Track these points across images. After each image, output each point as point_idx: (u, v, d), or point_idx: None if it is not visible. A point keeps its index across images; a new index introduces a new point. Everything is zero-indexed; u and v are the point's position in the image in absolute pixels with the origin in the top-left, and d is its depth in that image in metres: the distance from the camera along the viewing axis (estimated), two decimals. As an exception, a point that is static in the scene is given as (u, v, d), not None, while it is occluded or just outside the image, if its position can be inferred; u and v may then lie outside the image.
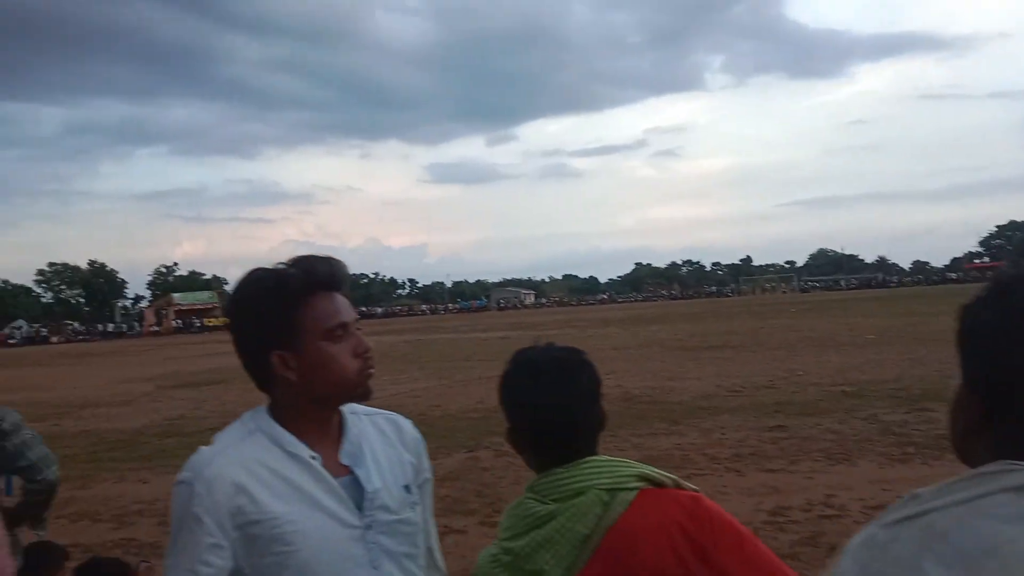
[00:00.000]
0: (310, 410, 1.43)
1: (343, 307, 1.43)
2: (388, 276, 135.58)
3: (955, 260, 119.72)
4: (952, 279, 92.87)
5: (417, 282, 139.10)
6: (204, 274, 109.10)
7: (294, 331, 1.39)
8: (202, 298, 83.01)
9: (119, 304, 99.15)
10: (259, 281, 1.43)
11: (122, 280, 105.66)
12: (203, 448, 1.40)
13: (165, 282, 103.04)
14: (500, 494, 6.88)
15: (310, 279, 1.41)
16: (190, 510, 1.31)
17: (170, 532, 1.37)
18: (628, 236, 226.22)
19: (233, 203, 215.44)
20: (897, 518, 0.85)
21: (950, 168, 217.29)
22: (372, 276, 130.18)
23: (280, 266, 1.43)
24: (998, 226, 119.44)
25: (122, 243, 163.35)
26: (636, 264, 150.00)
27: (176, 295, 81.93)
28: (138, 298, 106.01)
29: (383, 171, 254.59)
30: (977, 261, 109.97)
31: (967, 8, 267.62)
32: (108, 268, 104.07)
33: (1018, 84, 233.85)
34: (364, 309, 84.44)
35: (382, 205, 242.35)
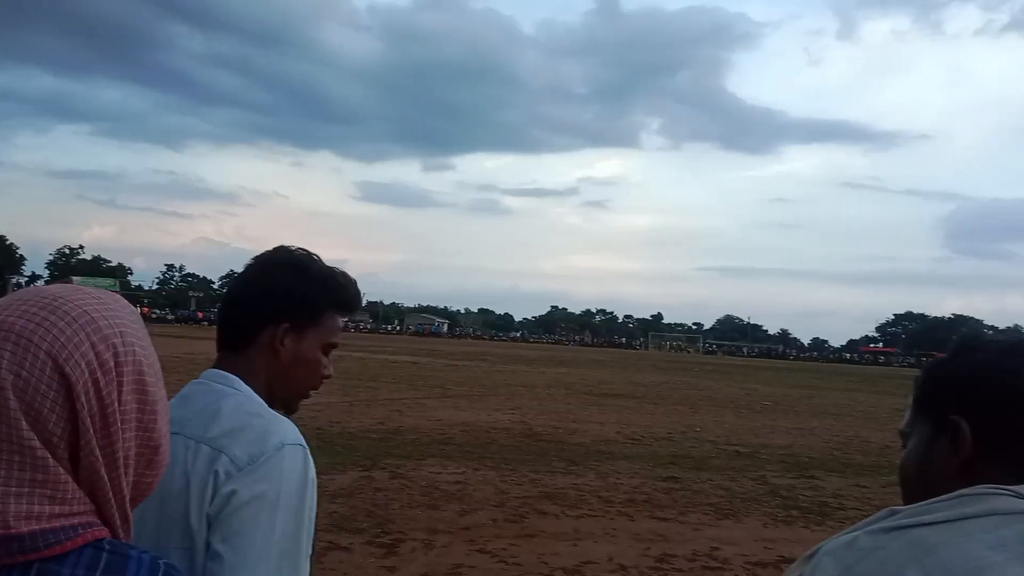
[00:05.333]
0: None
1: (340, 333, 1.52)
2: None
3: (851, 342, 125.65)
4: (846, 359, 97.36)
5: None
6: (110, 261, 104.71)
7: (312, 321, 1.44)
8: (104, 285, 79.26)
9: (12, 280, 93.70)
10: (318, 262, 1.50)
11: (21, 256, 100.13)
12: (279, 416, 1.35)
13: (67, 264, 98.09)
14: (391, 515, 6.75)
15: (351, 300, 1.51)
16: (309, 477, 1.28)
17: (278, 494, 1.22)
18: (548, 279, 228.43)
19: (152, 193, 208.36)
20: (883, 527, 0.88)
21: (859, 255, 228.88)
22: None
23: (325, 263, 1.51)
24: (895, 315, 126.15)
25: (28, 218, 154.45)
26: (552, 307, 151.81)
27: (76, 279, 78.00)
28: (35, 276, 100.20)
29: (313, 182, 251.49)
30: (872, 345, 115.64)
31: (896, 107, 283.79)
32: (8, 242, 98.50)
33: (932, 185, 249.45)
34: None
35: (307, 216, 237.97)
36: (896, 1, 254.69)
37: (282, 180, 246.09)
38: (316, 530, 1.39)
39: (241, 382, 1.37)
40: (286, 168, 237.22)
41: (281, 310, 1.41)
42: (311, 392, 1.49)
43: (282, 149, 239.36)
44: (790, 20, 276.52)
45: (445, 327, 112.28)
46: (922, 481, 0.99)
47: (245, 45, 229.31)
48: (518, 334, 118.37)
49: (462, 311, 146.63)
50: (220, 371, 1.40)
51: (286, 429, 1.29)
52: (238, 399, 1.33)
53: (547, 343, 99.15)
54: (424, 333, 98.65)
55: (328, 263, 1.52)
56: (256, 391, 1.38)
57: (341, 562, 5.46)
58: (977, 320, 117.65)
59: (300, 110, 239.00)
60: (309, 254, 1.50)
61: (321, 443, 10.14)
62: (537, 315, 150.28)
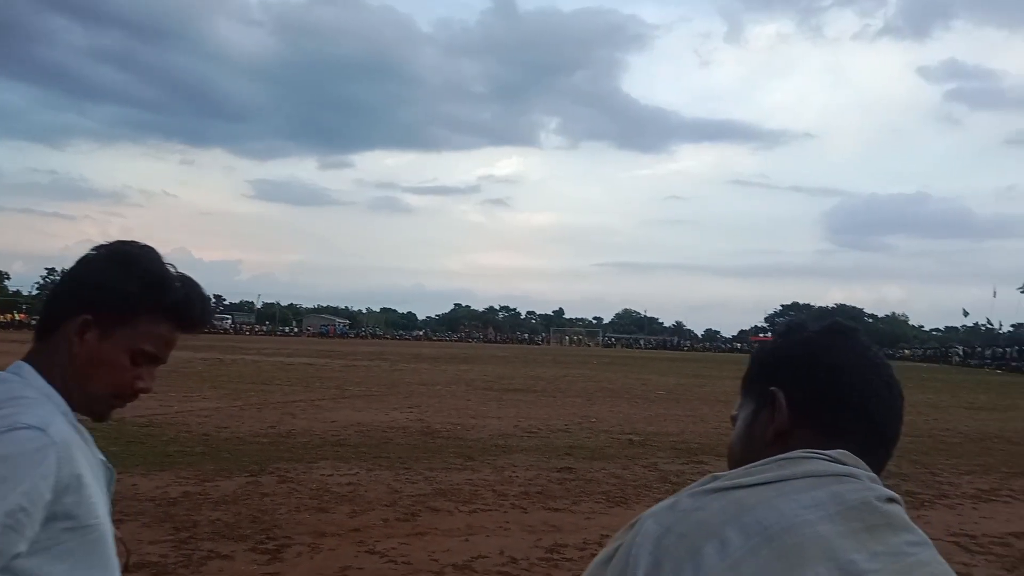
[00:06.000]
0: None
1: (170, 348, 1.36)
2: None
3: (742, 332, 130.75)
4: (737, 348, 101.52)
5: (224, 299, 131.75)
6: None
7: (123, 320, 1.29)
8: (-27, 291, 74.18)
9: None
10: (151, 259, 1.34)
11: None
12: (30, 397, 1.20)
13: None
14: (277, 520, 6.53)
15: (182, 309, 1.33)
16: (37, 470, 1.12)
17: None
18: (451, 277, 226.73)
19: (31, 193, 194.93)
20: (704, 490, 0.92)
21: (748, 249, 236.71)
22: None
23: (170, 266, 1.36)
24: (783, 305, 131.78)
25: None
26: (455, 305, 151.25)
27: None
28: None
29: (204, 180, 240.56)
30: (761, 335, 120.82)
31: (781, 107, 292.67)
32: None
33: (815, 181, 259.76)
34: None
35: (198, 215, 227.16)
36: (780, 5, 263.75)
37: (171, 179, 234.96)
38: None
39: (32, 371, 1.26)
40: (175, 166, 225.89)
41: (84, 301, 1.29)
42: (122, 402, 1.35)
43: (171, 147, 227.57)
44: (680, 23, 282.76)
45: (346, 327, 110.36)
46: (744, 452, 1.04)
47: (129, 39, 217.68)
48: (421, 332, 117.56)
49: (363, 311, 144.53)
50: (21, 362, 1.28)
51: (32, 414, 1.16)
52: (9, 386, 1.22)
53: (451, 341, 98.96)
54: (329, 334, 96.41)
55: (181, 270, 1.37)
56: (53, 385, 1.26)
57: (221, 571, 5.24)
58: (859, 309, 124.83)
59: (189, 107, 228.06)
60: (147, 251, 1.36)
61: (207, 449, 9.76)
62: (440, 313, 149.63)
